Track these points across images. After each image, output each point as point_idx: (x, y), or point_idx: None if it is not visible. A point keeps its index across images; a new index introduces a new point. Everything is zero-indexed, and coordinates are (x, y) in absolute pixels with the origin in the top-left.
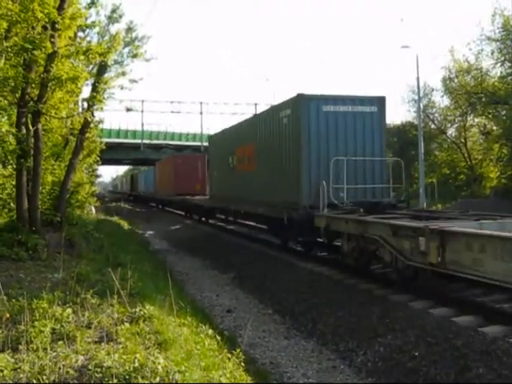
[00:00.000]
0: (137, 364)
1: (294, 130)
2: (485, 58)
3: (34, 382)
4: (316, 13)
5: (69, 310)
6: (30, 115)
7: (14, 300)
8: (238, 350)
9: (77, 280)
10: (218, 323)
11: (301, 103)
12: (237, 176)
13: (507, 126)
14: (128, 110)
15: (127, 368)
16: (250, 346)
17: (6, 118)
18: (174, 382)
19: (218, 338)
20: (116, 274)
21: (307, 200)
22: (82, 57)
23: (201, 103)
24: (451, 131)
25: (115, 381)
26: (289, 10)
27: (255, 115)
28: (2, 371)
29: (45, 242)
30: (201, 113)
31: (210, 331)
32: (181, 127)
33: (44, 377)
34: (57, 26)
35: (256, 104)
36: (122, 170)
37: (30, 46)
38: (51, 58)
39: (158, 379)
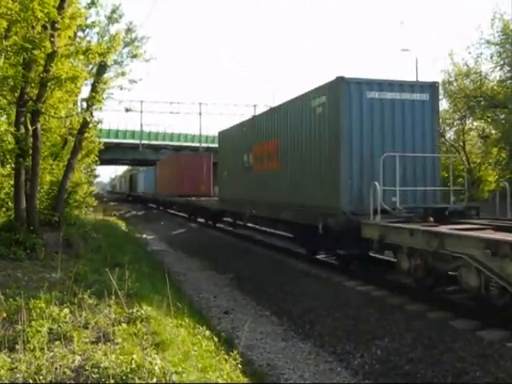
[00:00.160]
0: (134, 365)
1: (331, 121)
2: (484, 61)
3: (31, 382)
4: (315, 13)
5: (66, 310)
6: (28, 114)
7: (11, 299)
8: (235, 352)
9: (74, 280)
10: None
11: (340, 88)
12: (254, 176)
13: (506, 129)
14: (127, 110)
15: (124, 369)
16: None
17: (4, 117)
18: (170, 382)
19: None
20: (114, 275)
21: (348, 204)
22: (81, 57)
23: (200, 104)
24: (450, 134)
25: (112, 381)
26: (288, 11)
27: (277, 106)
28: None
29: (43, 241)
30: (200, 113)
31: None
32: (180, 128)
33: (41, 377)
34: (57, 25)
35: (255, 105)
36: (120, 170)
37: (29, 46)
38: (51, 57)
39: (154, 380)
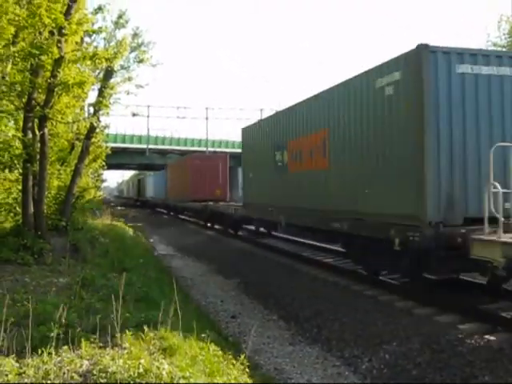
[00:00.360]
0: (141, 369)
1: (408, 105)
2: None
3: None
4: (315, 14)
5: (74, 315)
6: (36, 120)
7: (19, 304)
8: (242, 356)
9: (82, 285)
10: None
11: (424, 60)
12: (291, 177)
13: None
14: (134, 115)
15: (132, 373)
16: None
17: (12, 122)
18: None
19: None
20: (121, 279)
21: (435, 212)
22: (88, 62)
23: (206, 109)
24: None
25: None
26: (288, 11)
27: (323, 92)
28: (6, 376)
29: (50, 246)
30: (206, 118)
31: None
32: (186, 132)
33: (48, 381)
34: (64, 31)
35: (262, 109)
36: (127, 174)
37: (36, 52)
38: (58, 63)
39: None
